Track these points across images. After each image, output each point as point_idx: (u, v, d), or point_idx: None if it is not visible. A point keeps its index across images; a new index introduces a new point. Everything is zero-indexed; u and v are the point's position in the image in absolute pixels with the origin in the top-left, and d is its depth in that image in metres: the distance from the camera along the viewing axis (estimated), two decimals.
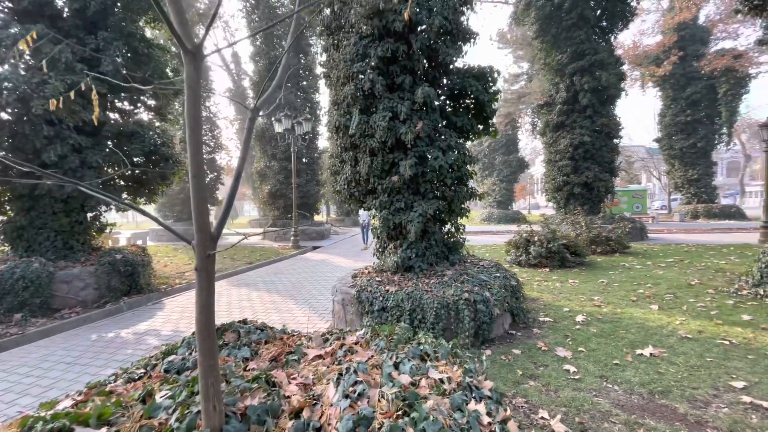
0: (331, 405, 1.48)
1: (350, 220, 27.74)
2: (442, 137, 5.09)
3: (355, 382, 1.59)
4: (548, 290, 6.24)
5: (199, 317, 1.29)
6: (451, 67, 5.30)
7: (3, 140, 5.81)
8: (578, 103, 13.41)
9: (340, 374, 1.69)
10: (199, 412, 1.35)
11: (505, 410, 1.60)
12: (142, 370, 2.03)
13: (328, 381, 1.67)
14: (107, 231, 7.55)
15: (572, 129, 13.49)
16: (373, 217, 5.53)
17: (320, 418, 1.41)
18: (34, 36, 2.17)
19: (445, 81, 5.29)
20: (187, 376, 1.91)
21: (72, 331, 5.23)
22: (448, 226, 5.57)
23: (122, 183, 7.77)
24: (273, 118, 14.10)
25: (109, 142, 7.10)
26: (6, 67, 5.85)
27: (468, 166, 5.18)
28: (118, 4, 7.07)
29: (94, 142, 6.69)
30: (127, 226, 28.38)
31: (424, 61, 4.98)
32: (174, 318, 5.67)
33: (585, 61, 13.00)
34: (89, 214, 7.20)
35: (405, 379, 1.63)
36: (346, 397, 1.52)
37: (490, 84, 5.43)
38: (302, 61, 17.45)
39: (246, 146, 1.42)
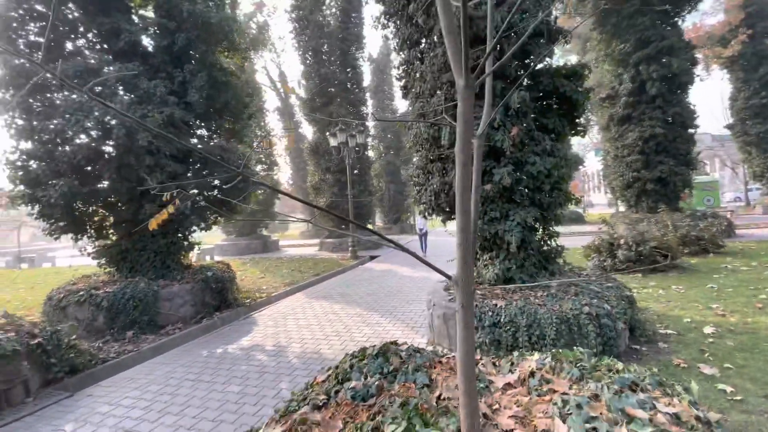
0: None
1: (397, 228, 27.78)
2: (536, 141, 4.89)
3: (590, 418, 1.46)
4: (653, 298, 5.77)
5: (463, 359, 1.24)
6: (540, 67, 5.11)
7: (111, 172, 6.31)
8: (645, 93, 12.55)
9: (559, 407, 1.58)
10: None
11: None
12: (323, 397, 2.03)
13: (547, 414, 1.56)
14: (196, 250, 7.99)
15: (640, 121, 12.64)
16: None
17: None
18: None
19: (534, 83, 5.10)
20: (373, 404, 1.88)
21: (181, 347, 5.52)
22: (539, 234, 5.33)
23: (204, 204, 8.23)
24: (327, 133, 14.44)
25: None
26: (113, 104, 6.39)
27: (564, 169, 4.95)
28: (199, 38, 7.53)
29: (185, 169, 7.12)
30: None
31: (516, 63, 4.82)
32: (271, 333, 5.84)
33: (651, 48, 12.17)
34: (179, 235, 7.65)
35: (642, 414, 1.48)
36: None
37: (581, 82, 5.18)
38: (349, 75, 17.82)
39: (478, 173, 1.37)
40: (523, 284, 4.53)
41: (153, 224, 1.29)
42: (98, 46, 7.06)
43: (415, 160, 5.92)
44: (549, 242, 5.19)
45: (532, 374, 1.91)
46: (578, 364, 1.96)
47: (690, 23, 26.72)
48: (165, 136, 1.13)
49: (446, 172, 5.16)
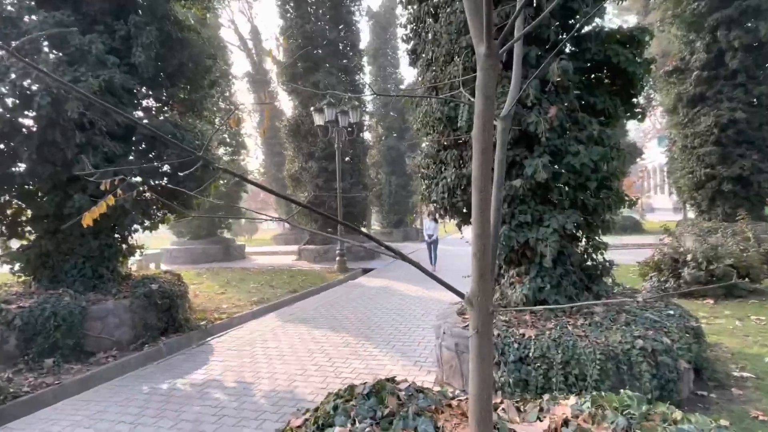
0: None
1: (399, 233, 27.89)
2: (580, 126, 4.94)
3: None
4: (726, 332, 5.83)
5: (477, 399, 1.26)
6: (587, 30, 5.16)
7: (31, 151, 6.33)
8: (724, 66, 12.68)
9: None
10: None
11: None
12: None
13: None
14: (137, 255, 8.03)
15: (717, 102, 12.76)
16: None
17: None
18: None
19: (579, 50, 5.15)
20: None
21: (115, 381, 5.56)
22: (582, 245, 5.40)
23: (149, 195, 8.26)
24: (312, 108, 14.51)
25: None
26: (35, 63, 6.41)
27: (615, 161, 5.00)
28: None
29: (126, 149, 7.16)
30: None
31: (556, 24, 4.88)
32: (233, 365, 5.88)
33: (733, 9, 12.26)
34: (116, 235, 7.67)
35: None
36: None
37: (640, 50, 5.25)
38: (342, 33, 17.91)
39: (502, 165, 1.41)
40: (559, 307, 4.58)
41: (87, 219, 1.33)
42: None
43: (424, 146, 5.97)
44: (594, 256, 5.25)
45: (566, 423, 1.94)
46: (625, 412, 1.99)
47: None
48: (102, 106, 1.16)
49: (464, 163, 5.22)
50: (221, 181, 17.24)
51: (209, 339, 7.31)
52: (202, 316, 8.17)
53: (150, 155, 7.67)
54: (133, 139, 7.43)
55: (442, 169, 5.46)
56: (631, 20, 25.42)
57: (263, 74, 28.06)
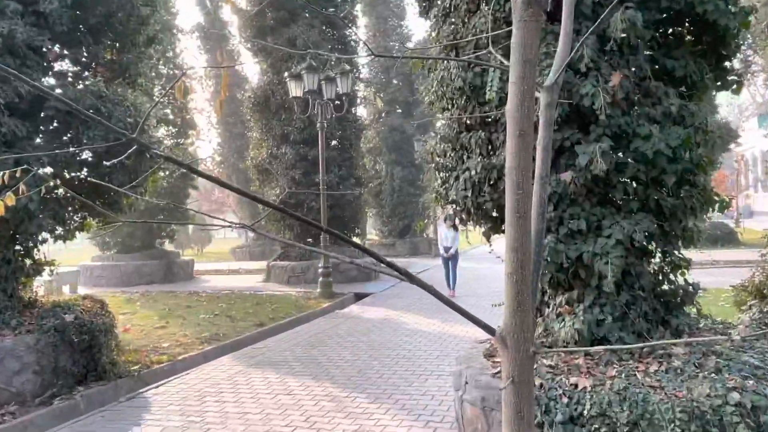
0: None
1: (405, 245, 27.99)
2: (653, 99, 4.98)
3: None
4: None
5: None
6: None
7: None
8: None
9: None
10: None
11: None
12: None
13: None
14: (46, 274, 8.06)
15: None
16: None
17: None
18: None
19: None
20: None
21: None
22: (656, 262, 5.42)
23: (63, 192, 8.27)
24: (286, 74, 14.57)
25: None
26: None
27: (701, 148, 5.03)
28: None
29: (32, 129, 7.19)
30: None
31: None
32: (176, 426, 5.88)
33: None
34: (18, 247, 7.69)
35: None
36: None
37: None
38: None
39: (547, 151, 1.42)
40: (625, 347, 4.59)
41: None
42: None
43: (439, 125, 6.00)
44: (672, 277, 5.28)
45: None
46: None
47: None
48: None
49: (494, 149, 5.25)
50: (162, 173, 17.29)
51: (143, 390, 7.28)
52: (135, 359, 8.18)
53: (64, 138, 7.70)
54: (42, 115, 7.46)
55: (465, 157, 5.49)
56: None
57: (219, 28, 28.14)
